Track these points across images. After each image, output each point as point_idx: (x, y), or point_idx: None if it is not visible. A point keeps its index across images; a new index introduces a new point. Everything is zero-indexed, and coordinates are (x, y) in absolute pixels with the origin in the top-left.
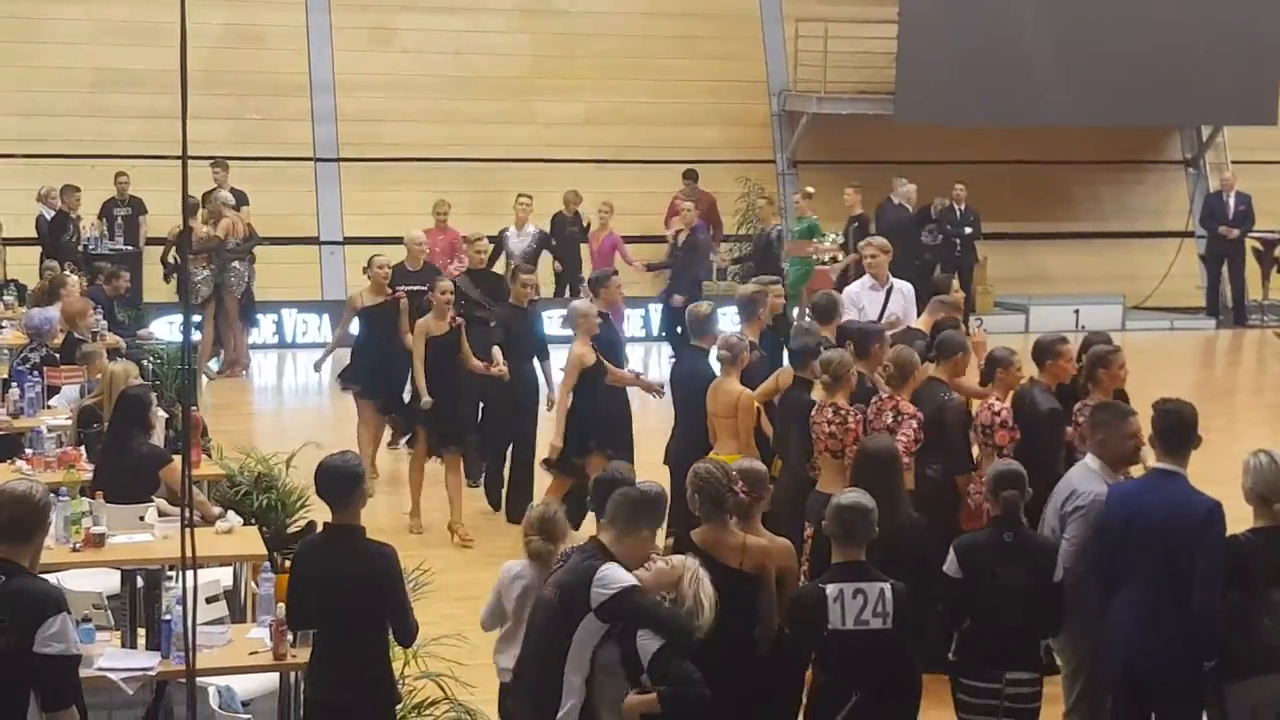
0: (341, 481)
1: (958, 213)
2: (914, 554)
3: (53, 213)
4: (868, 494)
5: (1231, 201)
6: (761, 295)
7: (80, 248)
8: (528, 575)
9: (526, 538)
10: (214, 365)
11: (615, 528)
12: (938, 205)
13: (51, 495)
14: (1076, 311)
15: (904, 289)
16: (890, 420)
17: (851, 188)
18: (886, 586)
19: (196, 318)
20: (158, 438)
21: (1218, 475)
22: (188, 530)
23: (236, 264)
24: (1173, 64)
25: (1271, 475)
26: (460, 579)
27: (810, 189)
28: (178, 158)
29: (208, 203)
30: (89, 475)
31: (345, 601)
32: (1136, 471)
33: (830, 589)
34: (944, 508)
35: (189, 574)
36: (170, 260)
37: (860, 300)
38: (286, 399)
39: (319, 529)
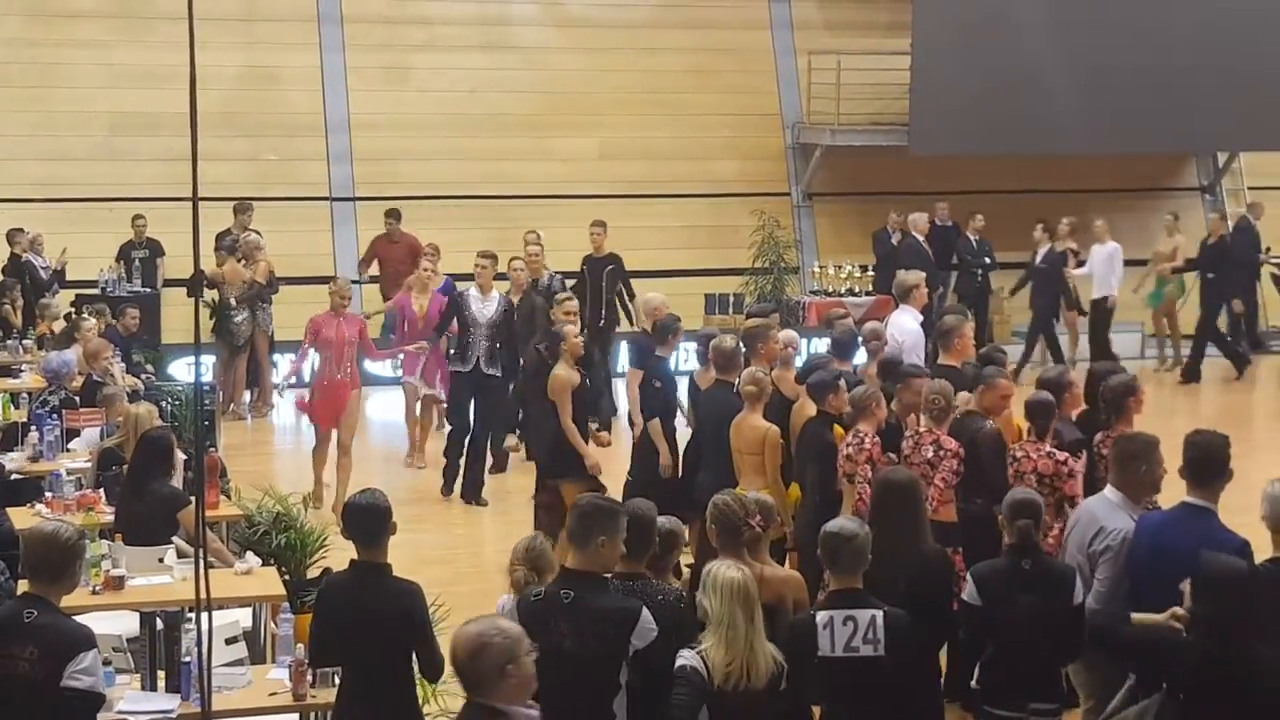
0: (370, 519)
1: (974, 243)
2: (937, 585)
3: (38, 259)
4: (859, 521)
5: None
6: (764, 330)
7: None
8: (509, 605)
9: (511, 567)
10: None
11: (574, 542)
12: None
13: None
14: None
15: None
16: (930, 454)
17: (598, 226)
18: (879, 614)
19: (209, 358)
20: (177, 479)
21: (1236, 503)
22: (204, 572)
23: (265, 305)
24: (1188, 91)
25: (1277, 505)
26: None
27: (540, 233)
28: (192, 199)
29: (222, 243)
30: (109, 518)
31: (372, 638)
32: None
33: (821, 616)
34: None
35: (204, 616)
36: (211, 301)
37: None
38: (305, 439)
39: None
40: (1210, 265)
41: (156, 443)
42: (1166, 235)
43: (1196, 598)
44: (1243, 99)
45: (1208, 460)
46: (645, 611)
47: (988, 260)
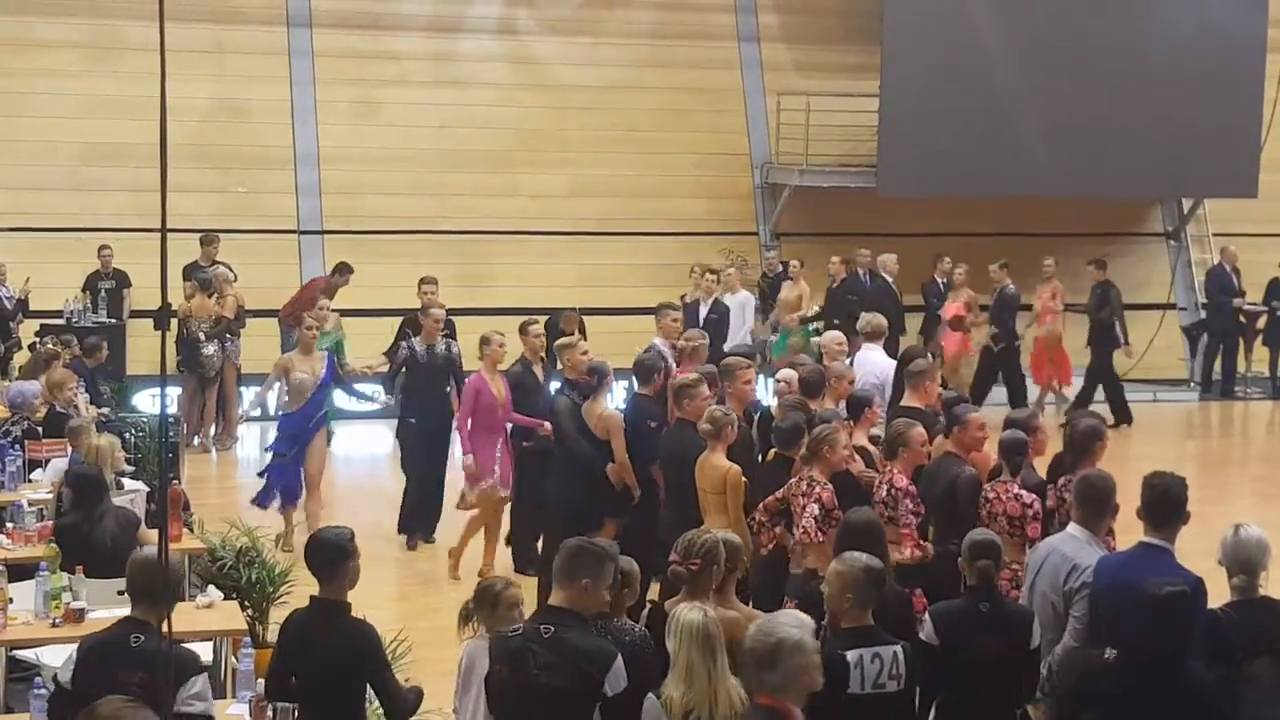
0: (329, 554)
1: (941, 286)
2: (895, 626)
3: (2, 289)
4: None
5: (1235, 275)
6: (733, 367)
7: None
8: (475, 646)
9: (465, 604)
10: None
11: (559, 580)
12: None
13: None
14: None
15: None
16: (885, 494)
17: (430, 284)
18: (899, 649)
19: (174, 390)
20: (140, 510)
21: (1201, 548)
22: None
23: (233, 337)
24: (1154, 137)
25: (1240, 550)
26: (442, 654)
27: (326, 303)
28: (160, 230)
29: (194, 275)
30: None
31: (323, 675)
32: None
33: (851, 655)
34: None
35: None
36: (184, 335)
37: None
38: None
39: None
40: (836, 310)
41: (86, 477)
42: (791, 283)
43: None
44: (1208, 146)
45: (1166, 501)
46: (620, 659)
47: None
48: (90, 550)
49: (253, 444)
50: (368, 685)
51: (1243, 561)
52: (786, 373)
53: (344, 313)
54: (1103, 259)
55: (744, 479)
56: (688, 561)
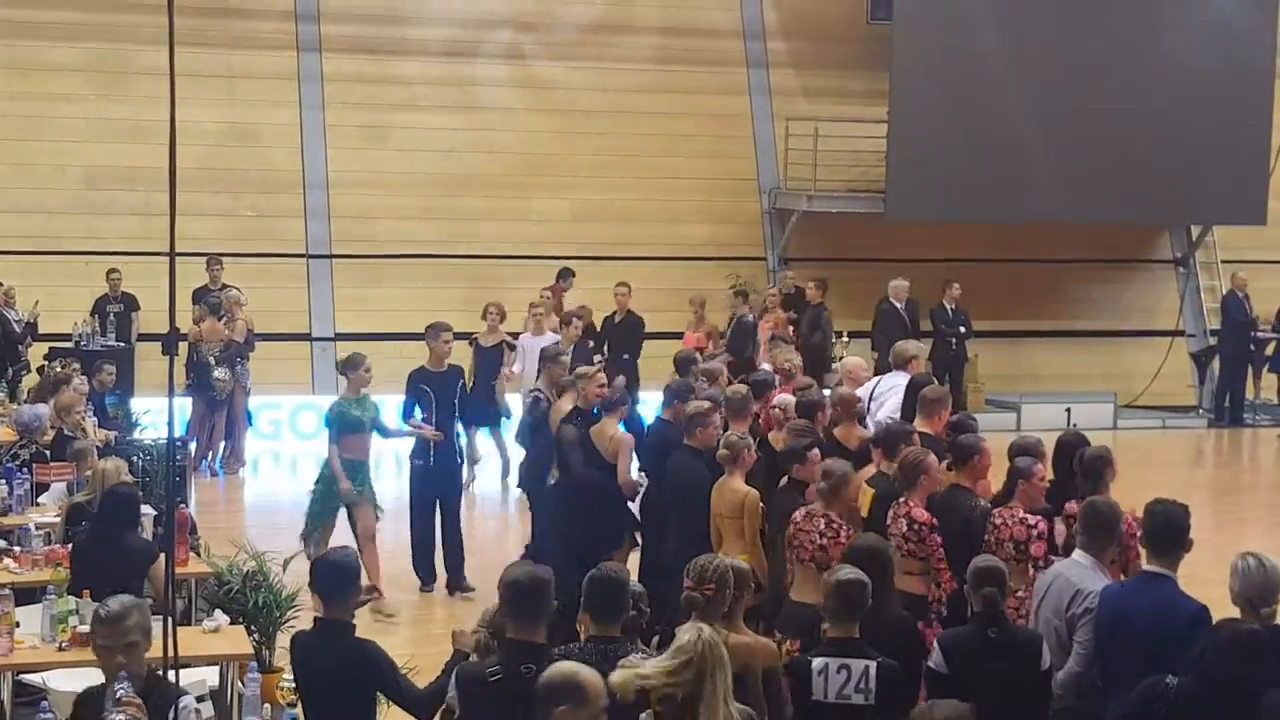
0: (334, 576)
1: (949, 311)
2: (901, 651)
3: (11, 312)
4: (861, 571)
5: (1246, 301)
6: (748, 395)
7: None
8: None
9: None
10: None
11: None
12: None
13: None
14: (1068, 410)
15: None
16: (905, 528)
17: (444, 330)
18: (872, 664)
19: (185, 404)
20: (146, 535)
21: (1209, 575)
22: (172, 630)
23: (242, 360)
24: (1163, 164)
25: (1259, 578)
26: None
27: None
28: (169, 254)
29: (206, 300)
30: None
31: (331, 695)
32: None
33: (816, 662)
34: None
35: (172, 674)
36: (194, 359)
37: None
38: (280, 496)
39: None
40: (620, 341)
41: (123, 497)
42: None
43: (1215, 659)
44: (1217, 173)
45: (1168, 529)
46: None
47: (963, 329)
48: (106, 571)
49: (263, 468)
50: (376, 702)
51: (1270, 590)
52: (784, 398)
53: (351, 337)
54: (823, 280)
55: (761, 505)
56: (702, 587)
